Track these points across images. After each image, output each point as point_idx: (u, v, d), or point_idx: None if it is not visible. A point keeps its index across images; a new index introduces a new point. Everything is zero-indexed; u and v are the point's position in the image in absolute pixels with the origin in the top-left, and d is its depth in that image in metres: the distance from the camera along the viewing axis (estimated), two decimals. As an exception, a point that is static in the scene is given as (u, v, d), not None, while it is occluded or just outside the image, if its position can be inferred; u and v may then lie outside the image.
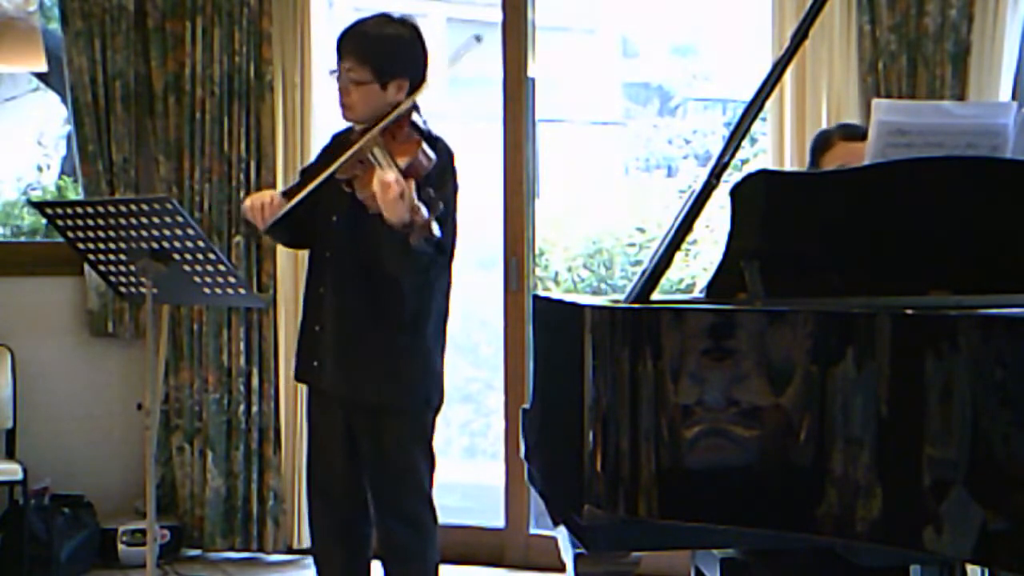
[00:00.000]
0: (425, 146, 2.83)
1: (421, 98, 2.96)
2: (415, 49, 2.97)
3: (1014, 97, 3.73)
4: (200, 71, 4.50)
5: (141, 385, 4.08)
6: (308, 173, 3.13)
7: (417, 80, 2.95)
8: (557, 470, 2.25)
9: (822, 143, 2.91)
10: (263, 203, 2.96)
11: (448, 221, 2.90)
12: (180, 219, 3.20)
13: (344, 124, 3.09)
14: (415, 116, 2.93)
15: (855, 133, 2.84)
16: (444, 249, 2.90)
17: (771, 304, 1.96)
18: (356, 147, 2.84)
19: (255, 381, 4.54)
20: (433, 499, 3.10)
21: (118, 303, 4.57)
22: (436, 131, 2.99)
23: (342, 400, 3.05)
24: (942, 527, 1.67)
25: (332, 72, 2.97)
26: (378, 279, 2.92)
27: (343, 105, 2.98)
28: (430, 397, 3.07)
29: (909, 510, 1.70)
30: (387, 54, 2.92)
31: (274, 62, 4.45)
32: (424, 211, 2.65)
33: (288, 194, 3.00)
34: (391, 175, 2.68)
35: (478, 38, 2.91)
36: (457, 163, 2.99)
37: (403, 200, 2.63)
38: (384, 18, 2.98)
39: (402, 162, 2.78)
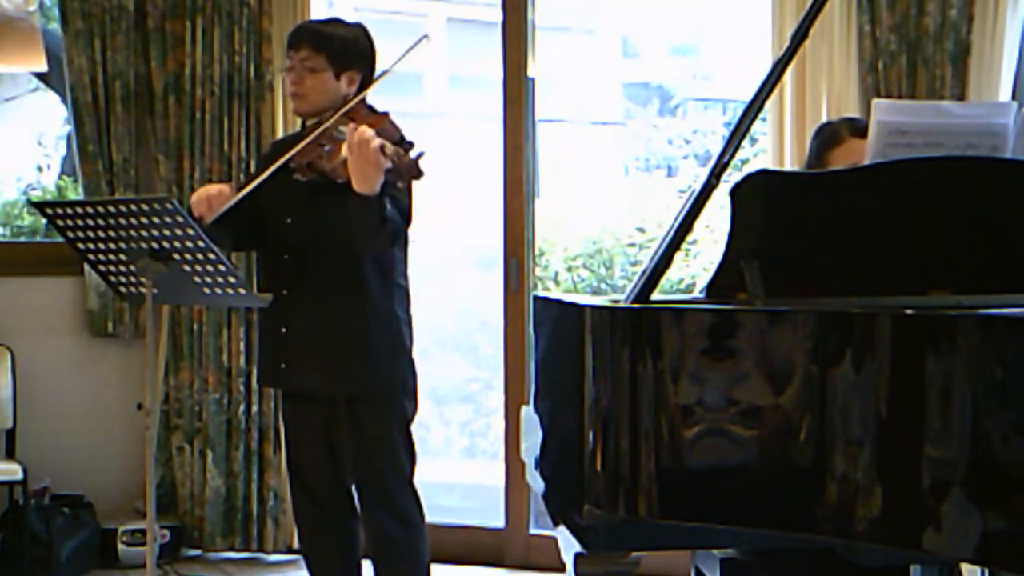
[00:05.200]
0: (392, 118, 2.89)
1: (372, 94, 3.03)
2: (366, 47, 3.06)
3: (1014, 97, 3.73)
4: (200, 71, 4.50)
5: (141, 385, 4.08)
6: (254, 173, 3.16)
7: (367, 77, 3.03)
8: (557, 470, 2.25)
9: (831, 138, 2.86)
10: (211, 194, 2.98)
11: (408, 194, 2.95)
12: (180, 219, 3.19)
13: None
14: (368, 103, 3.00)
15: (864, 129, 2.80)
16: (407, 217, 2.95)
17: (771, 304, 1.96)
18: (318, 131, 2.88)
19: (255, 381, 4.54)
20: (418, 492, 3.11)
21: (118, 303, 4.57)
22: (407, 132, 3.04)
23: (318, 397, 3.06)
24: (942, 527, 1.67)
25: (283, 68, 3.04)
26: (342, 273, 2.96)
27: (295, 96, 3.03)
28: (406, 380, 3.09)
29: (909, 510, 1.70)
30: (341, 45, 3.00)
31: (274, 62, 4.45)
32: (408, 156, 2.67)
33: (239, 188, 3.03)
34: (366, 130, 2.70)
35: (426, 37, 3.00)
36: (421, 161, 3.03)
37: (384, 155, 2.65)
38: (333, 20, 3.14)
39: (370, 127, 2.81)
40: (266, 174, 2.92)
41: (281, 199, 2.99)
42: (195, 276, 3.30)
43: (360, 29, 3.08)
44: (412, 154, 2.73)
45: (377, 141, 2.67)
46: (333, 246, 2.90)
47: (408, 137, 2.93)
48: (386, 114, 2.91)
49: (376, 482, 3.06)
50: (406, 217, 2.95)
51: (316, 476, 3.11)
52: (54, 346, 4.70)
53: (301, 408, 3.12)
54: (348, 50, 3.01)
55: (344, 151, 2.76)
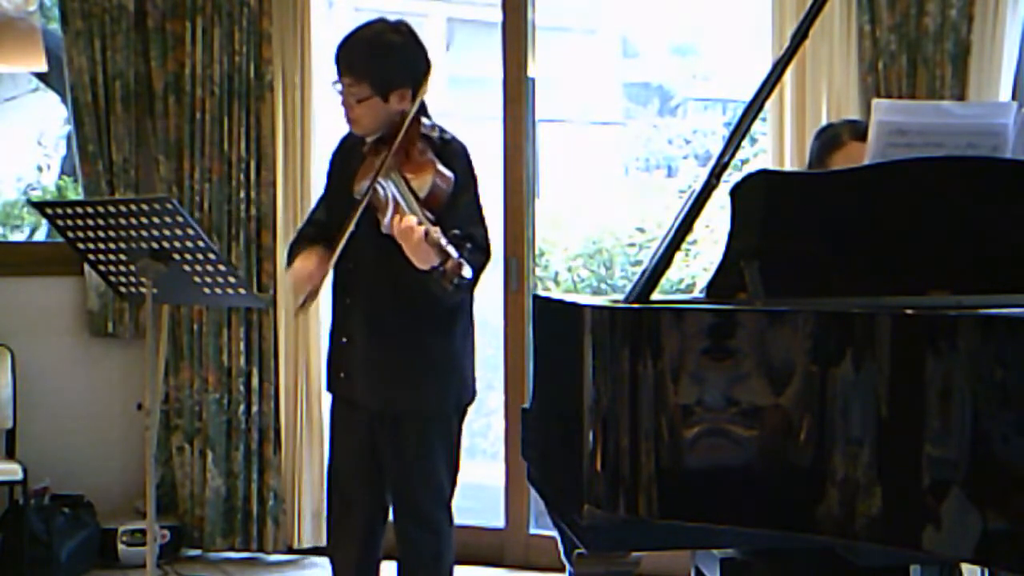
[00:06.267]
0: (440, 166, 2.81)
1: (426, 97, 2.95)
2: (412, 56, 2.94)
3: (1014, 97, 3.73)
4: (200, 71, 4.50)
5: (141, 385, 4.08)
6: (332, 188, 3.11)
7: (418, 84, 2.92)
8: (557, 470, 2.25)
9: (831, 141, 2.86)
10: (310, 273, 2.94)
11: (479, 221, 2.91)
12: (180, 219, 3.20)
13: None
14: (423, 122, 2.90)
15: (865, 132, 2.79)
16: (485, 251, 2.90)
17: (771, 304, 1.96)
18: (374, 176, 2.81)
19: (255, 381, 4.54)
20: (451, 504, 3.10)
21: (118, 303, 4.57)
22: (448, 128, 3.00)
23: (369, 408, 3.05)
24: (942, 527, 1.67)
25: (334, 84, 2.95)
26: (404, 287, 2.88)
27: (349, 120, 2.96)
28: (459, 401, 3.07)
29: (909, 510, 1.70)
30: (384, 67, 2.89)
31: (274, 62, 4.45)
32: (453, 252, 2.58)
33: (324, 234, 3.00)
34: (411, 221, 2.65)
35: None
36: (472, 155, 2.99)
37: (428, 243, 2.59)
38: (377, 27, 2.95)
39: (420, 189, 2.75)
40: (349, 230, 2.84)
41: (350, 210, 2.92)
42: (195, 276, 3.30)
43: (404, 35, 2.94)
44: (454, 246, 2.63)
45: (419, 234, 2.60)
46: (397, 265, 2.79)
47: (449, 145, 2.92)
48: (433, 162, 2.80)
49: (411, 498, 3.04)
50: (485, 252, 2.90)
51: (353, 482, 3.10)
52: (54, 346, 4.70)
53: (348, 414, 3.09)
54: (391, 71, 2.89)
55: (390, 208, 2.72)
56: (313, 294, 2.96)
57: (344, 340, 3.05)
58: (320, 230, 3.06)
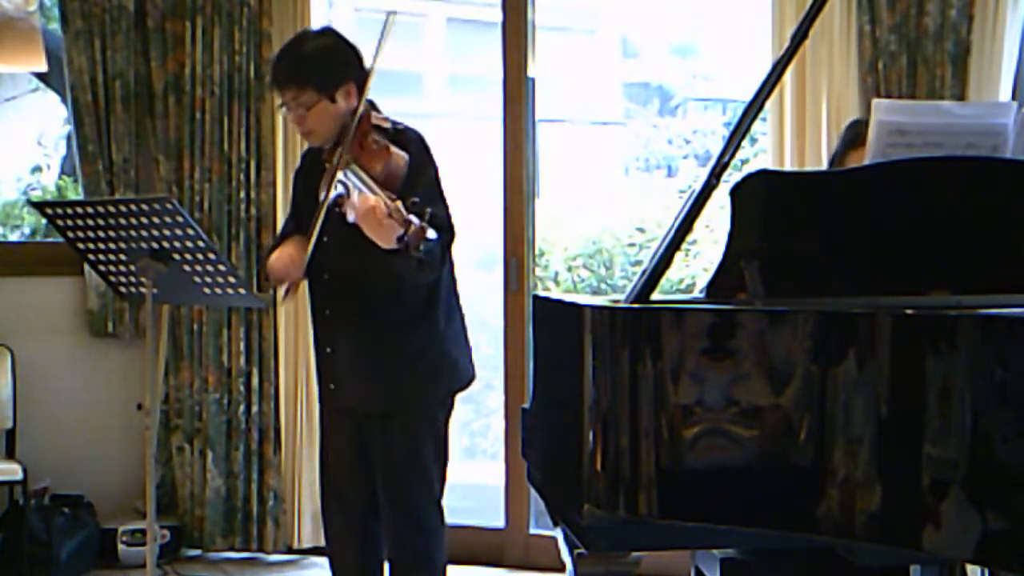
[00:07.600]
0: (394, 148, 2.85)
1: (371, 93, 2.97)
2: (344, 52, 2.99)
3: (1014, 97, 3.73)
4: (200, 71, 4.50)
5: (141, 385, 4.08)
6: (299, 203, 3.15)
7: (361, 78, 2.96)
8: (557, 470, 2.25)
9: (853, 139, 2.85)
10: (285, 265, 3.00)
11: (439, 201, 2.92)
12: (180, 219, 3.20)
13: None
14: (374, 115, 2.95)
15: None
16: (448, 230, 2.91)
17: (771, 304, 1.96)
18: (333, 172, 2.85)
19: (255, 381, 4.54)
20: (442, 502, 3.11)
21: (118, 303, 4.57)
22: (404, 122, 3.01)
23: (357, 410, 3.06)
24: (941, 527, 1.67)
25: (280, 107, 3.00)
26: (379, 291, 2.92)
27: (304, 134, 3.02)
28: (450, 388, 3.08)
29: (909, 510, 1.70)
30: (321, 67, 2.94)
31: (274, 62, 4.45)
32: (415, 219, 2.62)
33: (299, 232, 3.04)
34: (372, 199, 2.69)
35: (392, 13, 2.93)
36: (429, 143, 3.00)
37: (392, 219, 2.62)
38: (302, 36, 3.10)
39: (377, 173, 2.80)
40: (319, 225, 2.89)
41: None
42: (195, 276, 3.30)
43: (331, 37, 3.02)
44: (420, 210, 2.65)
45: (383, 210, 2.64)
46: (369, 268, 2.83)
47: (402, 134, 2.94)
48: (387, 146, 2.85)
49: (402, 496, 3.05)
50: (448, 231, 2.91)
51: (346, 482, 3.12)
52: (54, 346, 4.70)
53: (338, 417, 3.12)
54: (330, 70, 2.94)
55: (354, 198, 2.75)
56: (294, 286, 3.03)
57: (329, 351, 3.08)
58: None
